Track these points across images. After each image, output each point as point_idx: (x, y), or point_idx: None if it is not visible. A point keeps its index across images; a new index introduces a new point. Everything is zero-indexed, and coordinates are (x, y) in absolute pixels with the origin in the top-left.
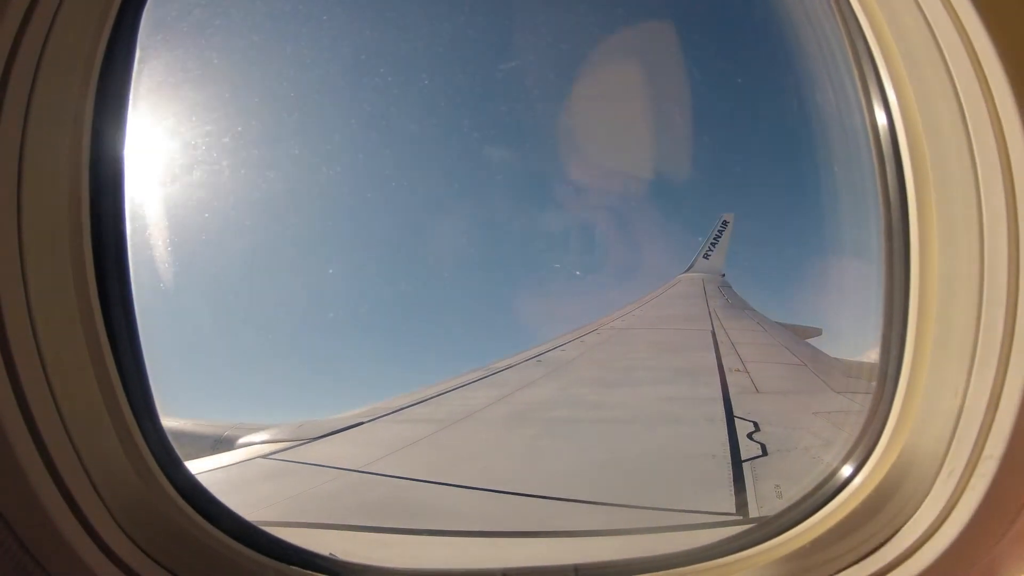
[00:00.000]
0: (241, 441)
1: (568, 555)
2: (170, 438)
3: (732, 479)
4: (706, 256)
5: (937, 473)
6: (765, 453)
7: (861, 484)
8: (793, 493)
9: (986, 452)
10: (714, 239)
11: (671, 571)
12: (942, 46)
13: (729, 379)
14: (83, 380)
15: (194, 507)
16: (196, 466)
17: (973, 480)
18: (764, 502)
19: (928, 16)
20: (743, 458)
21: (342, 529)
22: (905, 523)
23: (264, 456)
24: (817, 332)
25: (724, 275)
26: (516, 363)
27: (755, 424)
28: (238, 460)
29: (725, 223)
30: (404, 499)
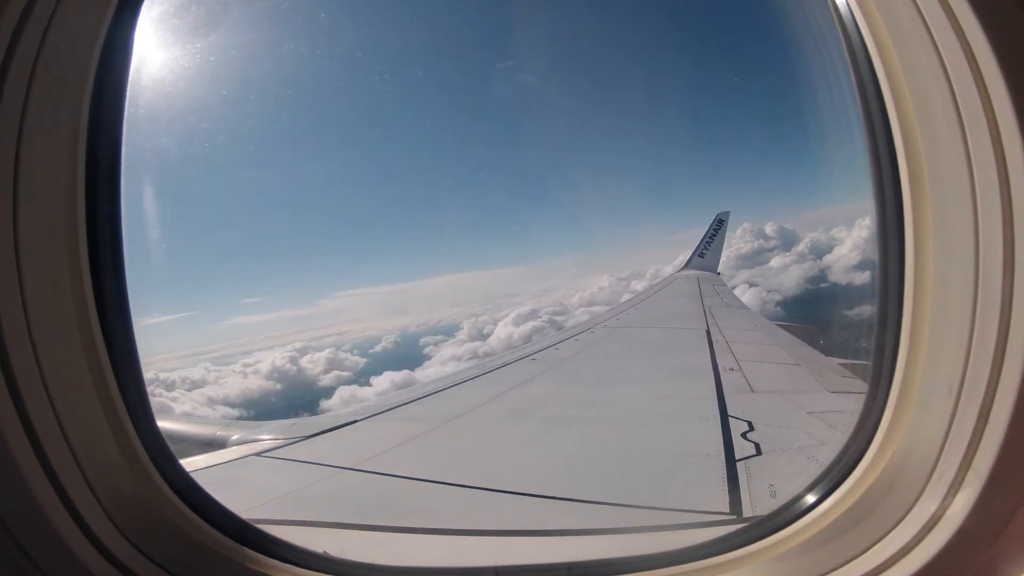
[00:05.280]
0: (234, 439)
1: (561, 554)
2: (165, 437)
3: (726, 478)
4: (701, 255)
5: (931, 473)
6: (759, 452)
7: (854, 484)
8: (787, 492)
9: (980, 453)
10: (709, 238)
11: (664, 570)
12: (939, 45)
13: (724, 378)
14: (78, 379)
15: (189, 505)
16: (190, 464)
17: (967, 480)
18: (758, 501)
19: (925, 15)
20: (737, 457)
21: (336, 527)
22: (899, 523)
23: (258, 454)
24: (813, 332)
25: (720, 274)
26: (510, 361)
27: (749, 423)
28: (232, 458)
29: (721, 222)
30: (398, 497)
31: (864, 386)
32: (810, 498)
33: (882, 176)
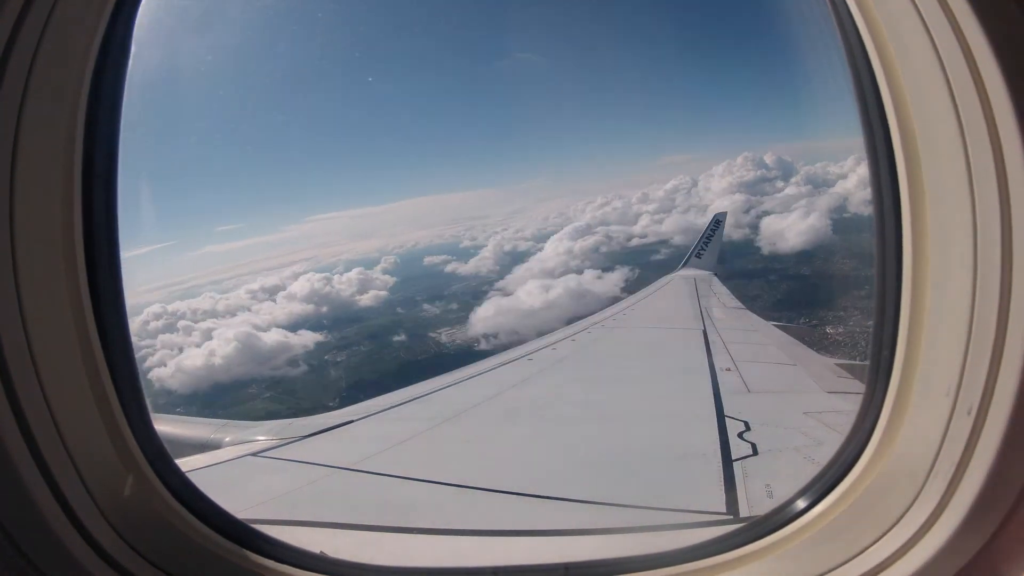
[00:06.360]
0: (229, 440)
1: (559, 554)
2: (161, 438)
3: (723, 478)
4: (698, 255)
5: (928, 473)
6: (756, 452)
7: (851, 484)
8: (784, 493)
9: (977, 453)
10: (706, 238)
11: (661, 570)
12: (937, 45)
13: (720, 378)
14: (75, 381)
15: (185, 505)
16: (186, 464)
17: (964, 481)
18: (755, 501)
19: (924, 15)
20: (734, 457)
21: (332, 527)
22: (896, 523)
23: (254, 454)
24: (809, 332)
25: (716, 274)
26: (506, 361)
27: (746, 423)
28: (228, 458)
29: (718, 222)
30: (394, 497)
31: (861, 386)
32: (807, 498)
33: (880, 176)
